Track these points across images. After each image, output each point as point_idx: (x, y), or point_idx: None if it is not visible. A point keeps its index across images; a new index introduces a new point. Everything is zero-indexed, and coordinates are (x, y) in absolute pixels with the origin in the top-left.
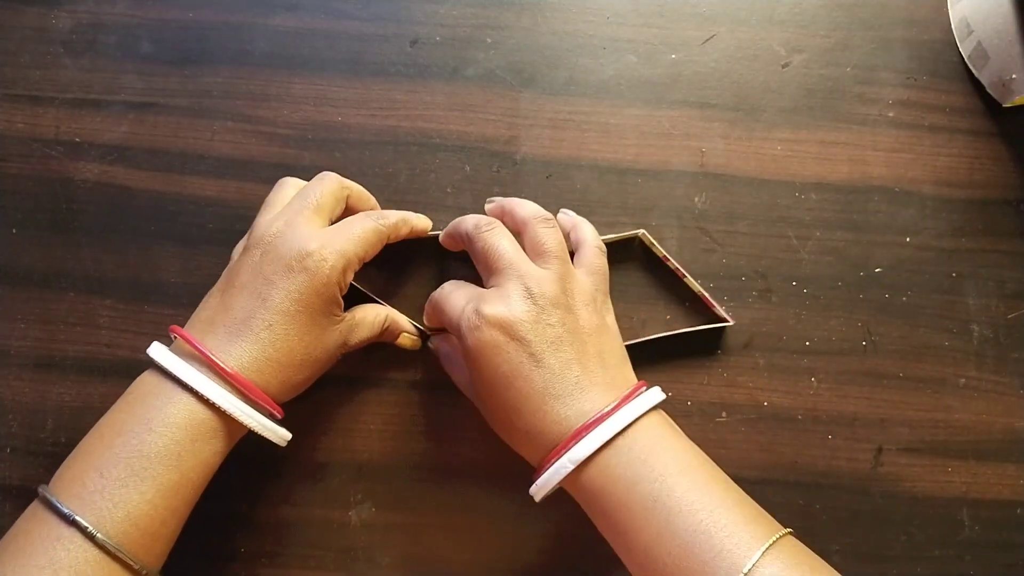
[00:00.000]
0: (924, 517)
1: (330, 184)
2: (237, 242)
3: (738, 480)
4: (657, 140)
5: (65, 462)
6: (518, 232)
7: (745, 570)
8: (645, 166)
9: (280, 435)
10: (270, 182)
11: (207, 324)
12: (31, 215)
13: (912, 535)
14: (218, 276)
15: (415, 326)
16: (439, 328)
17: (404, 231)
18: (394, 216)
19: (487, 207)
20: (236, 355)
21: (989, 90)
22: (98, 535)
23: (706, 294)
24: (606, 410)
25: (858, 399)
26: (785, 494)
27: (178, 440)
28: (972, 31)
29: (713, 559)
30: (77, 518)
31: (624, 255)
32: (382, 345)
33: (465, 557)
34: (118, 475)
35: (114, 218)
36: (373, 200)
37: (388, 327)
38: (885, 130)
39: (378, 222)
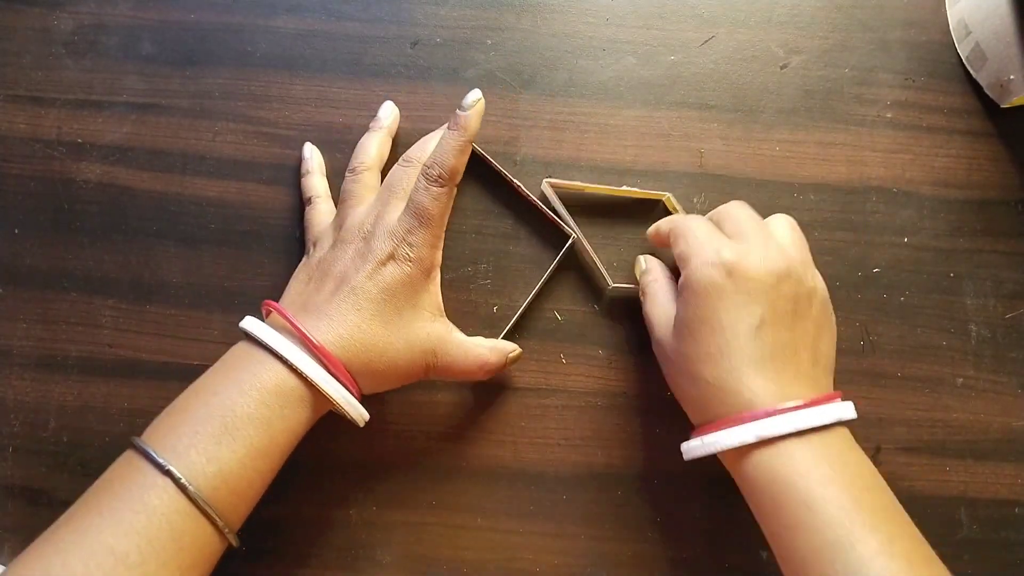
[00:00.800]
0: (922, 516)
1: (414, 171)
2: (238, 242)
3: None
4: (656, 141)
5: (158, 417)
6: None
7: None
8: (644, 167)
9: (360, 413)
10: (271, 183)
11: (300, 305)
12: (33, 215)
13: None
14: (219, 276)
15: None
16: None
17: (464, 162)
18: (450, 158)
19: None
20: (324, 331)
21: (987, 91)
22: (190, 487)
23: None
24: (808, 400)
25: (856, 398)
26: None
27: (268, 404)
28: (970, 32)
29: None
30: (171, 468)
31: (648, 214)
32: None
33: (465, 557)
34: (212, 432)
35: (116, 218)
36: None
37: (492, 365)
38: (883, 131)
39: (439, 185)
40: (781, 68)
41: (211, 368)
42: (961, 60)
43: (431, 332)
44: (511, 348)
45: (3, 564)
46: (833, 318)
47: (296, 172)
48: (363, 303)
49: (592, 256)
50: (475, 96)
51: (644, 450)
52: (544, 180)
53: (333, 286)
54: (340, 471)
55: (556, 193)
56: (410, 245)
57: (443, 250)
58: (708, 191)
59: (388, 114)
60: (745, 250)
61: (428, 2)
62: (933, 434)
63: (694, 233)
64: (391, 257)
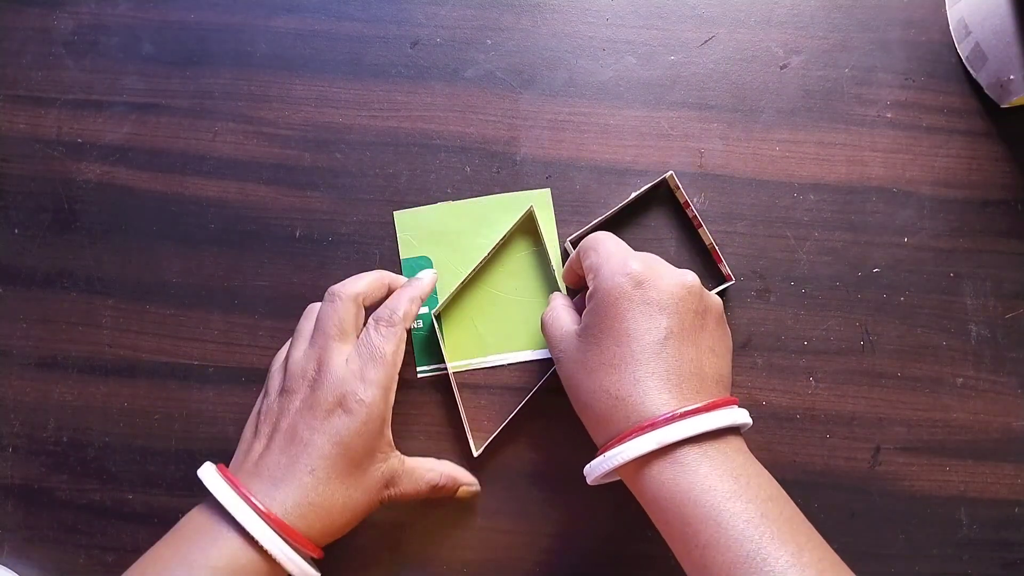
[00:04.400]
0: (922, 516)
1: (341, 305)
2: (238, 242)
3: None
4: (656, 141)
5: None
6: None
7: None
8: (644, 167)
9: None
10: (271, 183)
11: (252, 469)
12: (33, 215)
13: (910, 534)
14: (218, 276)
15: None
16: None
17: (417, 309)
18: (402, 305)
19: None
20: (280, 500)
21: (987, 91)
22: None
23: (716, 247)
24: (703, 404)
25: (856, 399)
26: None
27: None
28: (970, 32)
29: None
30: None
31: (650, 196)
32: None
33: (465, 557)
34: None
35: (116, 218)
36: (387, 277)
37: (442, 486)
38: (883, 131)
39: (390, 325)
40: (781, 68)
41: (166, 535)
42: (961, 60)
43: (385, 471)
44: (467, 479)
45: (3, 564)
46: (730, 336)
47: (295, 172)
48: (316, 462)
49: None
50: (432, 272)
51: None
52: (567, 240)
53: (283, 443)
54: None
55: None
56: (364, 386)
57: None
58: (708, 191)
59: (429, 278)
60: (654, 262)
61: (428, 2)
62: (933, 434)
63: (604, 244)
64: (340, 405)
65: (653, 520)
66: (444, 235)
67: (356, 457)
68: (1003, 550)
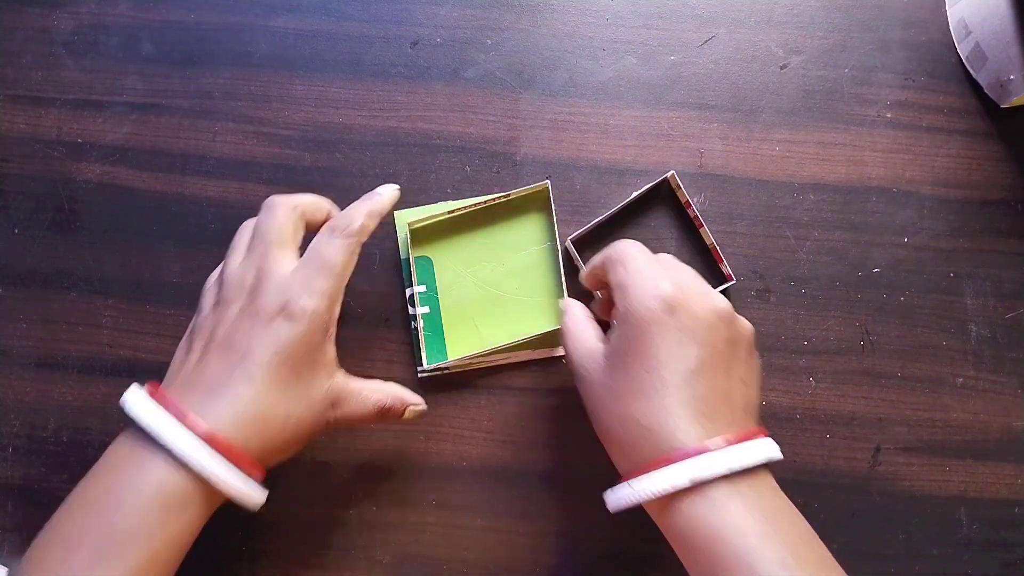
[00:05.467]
0: (922, 516)
1: (281, 212)
2: None
3: None
4: (656, 141)
5: (36, 538)
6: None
7: None
8: (644, 167)
9: (254, 501)
10: (271, 183)
11: (183, 383)
12: (33, 215)
13: (910, 534)
14: None
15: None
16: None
17: (374, 225)
18: (359, 218)
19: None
20: (214, 412)
21: (987, 91)
22: None
23: (717, 247)
24: (734, 436)
25: (856, 399)
26: (783, 493)
27: (147, 516)
28: (970, 32)
29: None
30: None
31: (651, 196)
32: (383, 341)
33: (465, 557)
34: (84, 558)
35: (116, 218)
36: (326, 204)
37: (389, 409)
38: (883, 131)
39: (345, 236)
40: (781, 68)
41: (92, 467)
42: (961, 60)
43: (331, 389)
44: (414, 399)
45: (3, 565)
46: (759, 365)
47: (295, 172)
48: (255, 371)
49: None
50: (392, 188)
51: None
52: (568, 240)
53: (218, 353)
54: (340, 471)
55: (576, 249)
56: (309, 294)
57: None
58: (708, 191)
59: (389, 193)
60: (685, 281)
61: (428, 2)
62: (933, 434)
63: (634, 261)
64: (282, 312)
65: (678, 554)
66: (444, 235)
67: (297, 367)
68: (1003, 550)
